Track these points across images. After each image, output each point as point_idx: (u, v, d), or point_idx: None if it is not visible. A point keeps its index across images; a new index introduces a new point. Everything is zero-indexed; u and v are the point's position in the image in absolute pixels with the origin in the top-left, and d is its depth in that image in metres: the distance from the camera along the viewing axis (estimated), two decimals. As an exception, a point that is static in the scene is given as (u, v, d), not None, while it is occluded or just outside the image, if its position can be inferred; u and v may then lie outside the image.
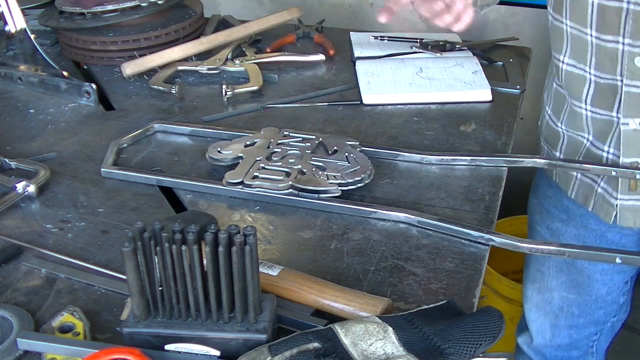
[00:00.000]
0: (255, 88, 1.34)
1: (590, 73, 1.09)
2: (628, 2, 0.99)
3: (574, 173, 1.21)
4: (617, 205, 1.15)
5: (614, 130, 1.11)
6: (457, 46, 1.48)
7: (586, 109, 1.13)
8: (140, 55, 1.41)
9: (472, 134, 1.19)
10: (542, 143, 1.30)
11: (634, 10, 0.99)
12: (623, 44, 1.02)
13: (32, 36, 1.39)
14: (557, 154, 1.25)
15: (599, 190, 1.17)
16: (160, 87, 1.35)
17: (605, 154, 1.14)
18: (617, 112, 1.08)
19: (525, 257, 1.48)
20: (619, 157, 1.11)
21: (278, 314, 0.76)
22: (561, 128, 1.22)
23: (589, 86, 1.10)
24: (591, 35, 1.05)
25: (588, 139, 1.16)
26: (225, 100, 1.32)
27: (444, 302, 0.78)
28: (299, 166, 1.04)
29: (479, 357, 0.69)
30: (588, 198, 1.20)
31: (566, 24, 1.09)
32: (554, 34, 1.14)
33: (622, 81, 1.05)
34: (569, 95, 1.16)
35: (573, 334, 1.43)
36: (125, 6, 1.45)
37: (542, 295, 1.42)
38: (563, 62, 1.13)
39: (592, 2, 1.02)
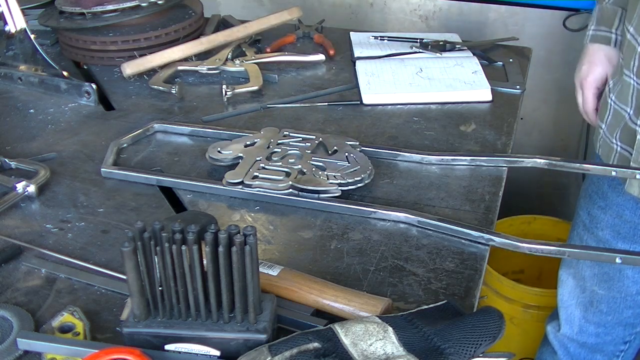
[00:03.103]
0: (255, 88, 1.34)
1: None
2: None
3: (614, 145, 1.22)
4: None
5: None
6: (457, 46, 1.48)
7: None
8: (140, 55, 1.41)
9: (472, 134, 1.19)
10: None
11: None
12: None
13: (32, 36, 1.39)
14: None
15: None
16: (160, 87, 1.35)
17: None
18: None
19: (568, 239, 1.49)
20: None
21: (278, 314, 0.76)
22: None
23: None
24: None
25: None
26: (225, 100, 1.32)
27: (443, 302, 0.78)
28: (299, 166, 1.04)
29: (479, 357, 0.69)
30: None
31: None
32: None
33: None
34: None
35: (600, 333, 1.43)
36: (125, 6, 1.45)
37: (577, 282, 1.43)
38: None
39: None
